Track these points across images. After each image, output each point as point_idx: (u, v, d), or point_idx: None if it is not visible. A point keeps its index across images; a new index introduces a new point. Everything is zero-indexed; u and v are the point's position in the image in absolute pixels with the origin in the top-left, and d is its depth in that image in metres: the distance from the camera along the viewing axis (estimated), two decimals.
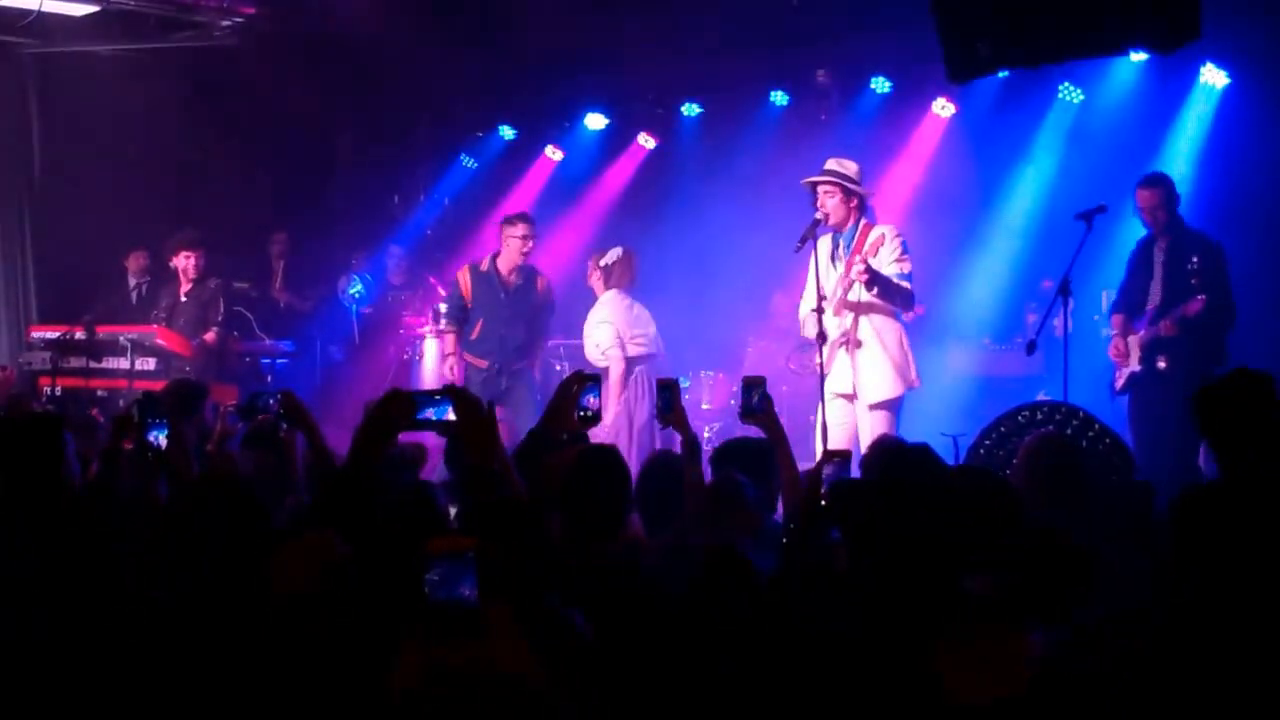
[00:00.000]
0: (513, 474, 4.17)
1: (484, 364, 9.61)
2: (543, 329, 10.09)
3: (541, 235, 12.79)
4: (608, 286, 9.55)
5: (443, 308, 10.16)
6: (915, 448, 4.84)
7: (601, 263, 9.59)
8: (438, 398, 4.01)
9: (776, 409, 5.22)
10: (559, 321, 11.83)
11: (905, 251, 8.00)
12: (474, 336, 9.68)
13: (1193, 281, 8.08)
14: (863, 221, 8.12)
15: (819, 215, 7.96)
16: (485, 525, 3.69)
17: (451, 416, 3.98)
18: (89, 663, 3.48)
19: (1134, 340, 8.31)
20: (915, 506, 3.88)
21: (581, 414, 4.64)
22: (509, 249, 9.73)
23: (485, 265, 9.79)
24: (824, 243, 8.07)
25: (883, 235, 8.01)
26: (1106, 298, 9.32)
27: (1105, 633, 3.35)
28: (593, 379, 4.70)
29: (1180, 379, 7.99)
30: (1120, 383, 8.41)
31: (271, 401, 5.41)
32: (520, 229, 9.74)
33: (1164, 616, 3.58)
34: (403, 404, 4.09)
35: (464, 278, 9.80)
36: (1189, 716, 3.06)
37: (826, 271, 8.01)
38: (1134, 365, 8.29)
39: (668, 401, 5.21)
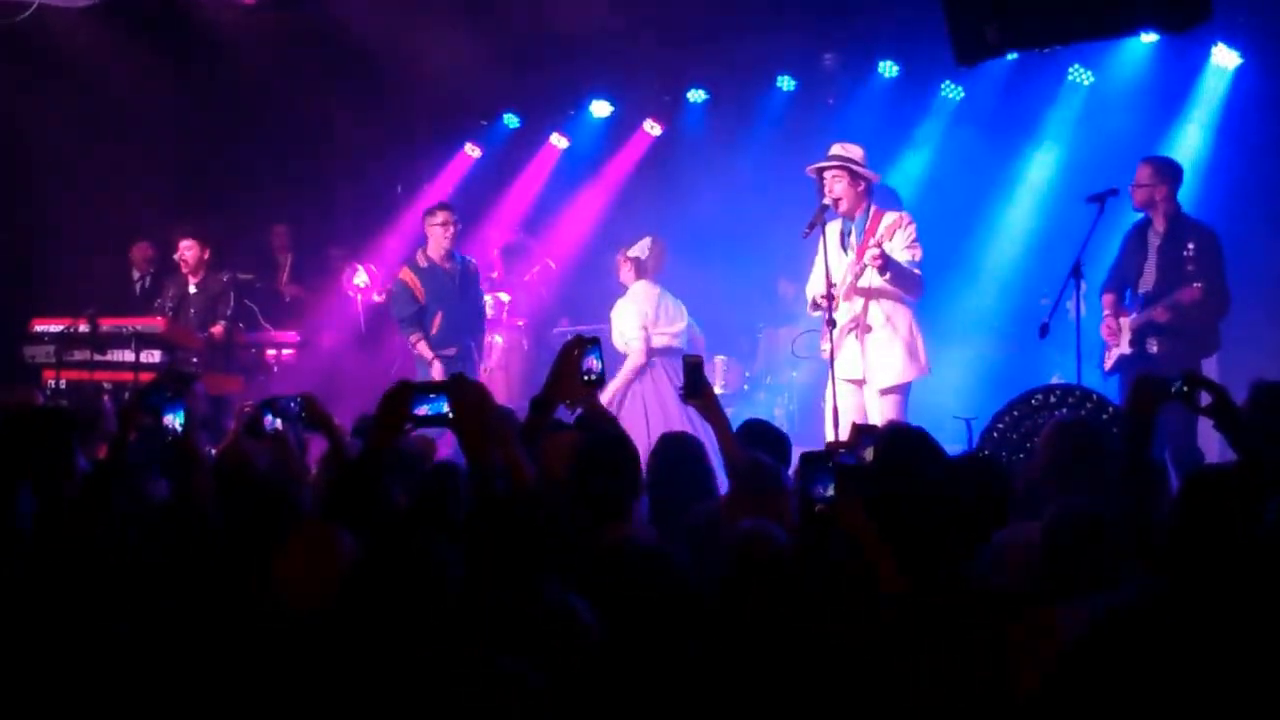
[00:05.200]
0: (521, 462, 4.11)
1: (452, 352, 9.81)
2: (481, 306, 10.57)
3: (546, 223, 12.76)
4: (639, 277, 9.58)
5: (398, 316, 10.13)
6: (916, 432, 4.77)
7: (631, 254, 9.60)
8: (432, 395, 3.95)
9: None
10: (566, 306, 11.79)
11: (917, 238, 7.96)
12: (435, 331, 9.85)
13: (1189, 268, 8.00)
14: (873, 208, 8.07)
15: (827, 200, 7.92)
16: (487, 518, 3.65)
17: (447, 410, 3.91)
18: (91, 661, 3.43)
19: (1125, 322, 8.24)
20: (915, 490, 3.82)
21: (586, 378, 4.56)
22: (434, 238, 9.97)
23: (423, 260, 9.97)
24: (833, 228, 8.02)
25: (896, 221, 7.97)
26: None
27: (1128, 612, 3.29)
28: (593, 341, 4.62)
29: (1171, 363, 7.92)
30: (1110, 364, 8.34)
31: (292, 405, 5.35)
32: (440, 217, 9.99)
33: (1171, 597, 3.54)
34: (410, 395, 4.03)
35: (409, 278, 9.95)
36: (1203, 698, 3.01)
37: (837, 258, 7.96)
38: (1125, 348, 8.22)
39: (695, 382, 5.14)
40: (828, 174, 8.02)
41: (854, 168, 7.98)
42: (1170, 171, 8.21)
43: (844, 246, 8.08)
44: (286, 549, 3.55)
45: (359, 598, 2.96)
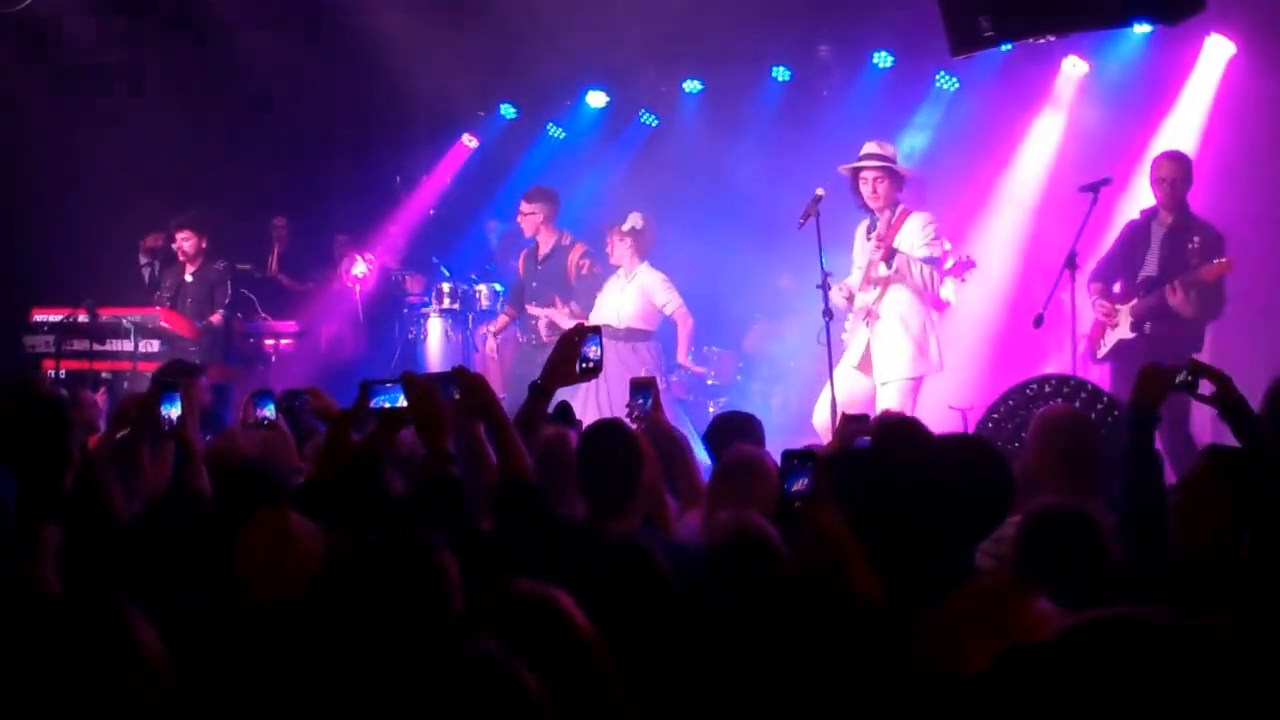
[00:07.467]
0: (519, 452, 4.14)
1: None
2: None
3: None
4: (640, 255, 9.65)
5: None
6: (901, 419, 4.74)
7: (625, 228, 9.62)
8: (389, 385, 4.00)
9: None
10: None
11: (936, 237, 8.10)
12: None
13: (1193, 260, 8.02)
14: (900, 206, 8.20)
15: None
16: (429, 504, 3.71)
17: (403, 403, 3.97)
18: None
19: (1124, 308, 8.25)
20: (901, 476, 3.80)
21: (583, 365, 4.58)
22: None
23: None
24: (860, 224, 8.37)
25: (919, 221, 8.13)
26: None
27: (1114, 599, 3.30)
28: (594, 330, 4.65)
29: (1169, 346, 7.91)
30: (1104, 349, 8.33)
31: (297, 403, 5.38)
32: (520, 206, 10.40)
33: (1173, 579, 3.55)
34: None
35: (520, 260, 10.58)
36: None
37: (862, 248, 8.30)
38: (1126, 331, 8.23)
39: (650, 400, 5.16)
40: (867, 174, 8.12)
41: (896, 168, 8.16)
42: (1191, 167, 8.26)
43: (869, 237, 8.25)
44: (247, 538, 3.49)
45: (344, 592, 2.96)
